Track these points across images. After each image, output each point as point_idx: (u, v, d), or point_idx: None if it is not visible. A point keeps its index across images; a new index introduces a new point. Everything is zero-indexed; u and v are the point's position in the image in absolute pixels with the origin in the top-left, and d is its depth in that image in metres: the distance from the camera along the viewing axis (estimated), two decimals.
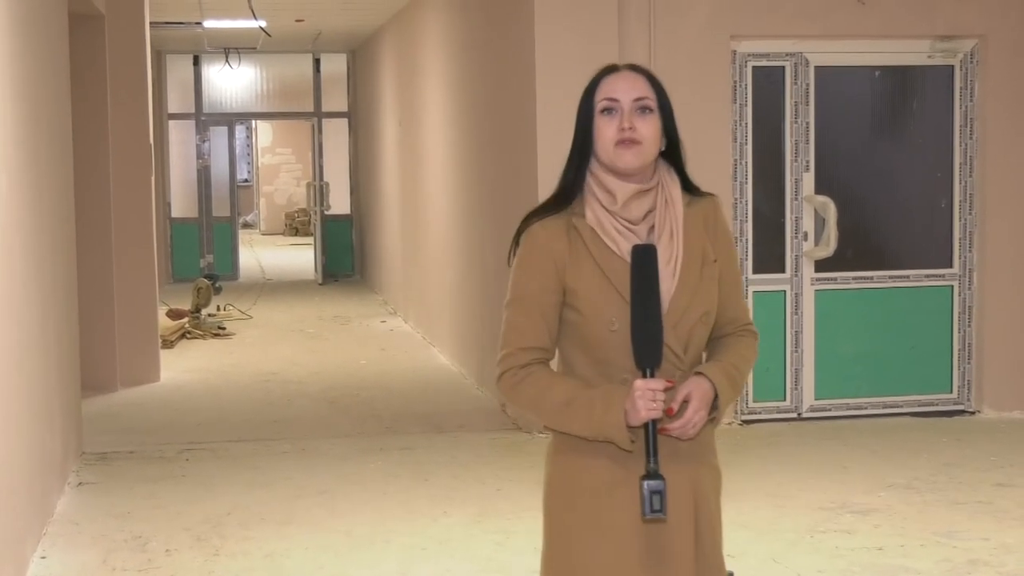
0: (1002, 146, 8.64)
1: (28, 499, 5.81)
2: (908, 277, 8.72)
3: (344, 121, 19.79)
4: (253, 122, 28.60)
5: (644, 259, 2.82)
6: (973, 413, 8.74)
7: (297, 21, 15.21)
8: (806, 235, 8.57)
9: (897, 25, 8.49)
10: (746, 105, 8.45)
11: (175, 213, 19.25)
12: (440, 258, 11.77)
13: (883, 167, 8.67)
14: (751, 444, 7.88)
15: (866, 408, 8.68)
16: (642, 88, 2.91)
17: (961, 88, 8.67)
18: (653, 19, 8.16)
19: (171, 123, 19.17)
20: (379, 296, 16.75)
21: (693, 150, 3.02)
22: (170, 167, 18.99)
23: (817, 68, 8.52)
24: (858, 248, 8.65)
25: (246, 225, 28.82)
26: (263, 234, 29.63)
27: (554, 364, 2.99)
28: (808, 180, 8.54)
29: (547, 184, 7.51)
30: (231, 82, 19.69)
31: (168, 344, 12.19)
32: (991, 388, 8.71)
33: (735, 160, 8.42)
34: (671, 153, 2.96)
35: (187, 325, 13.32)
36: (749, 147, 8.46)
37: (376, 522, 6.34)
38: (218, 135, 20.66)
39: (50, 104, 6.96)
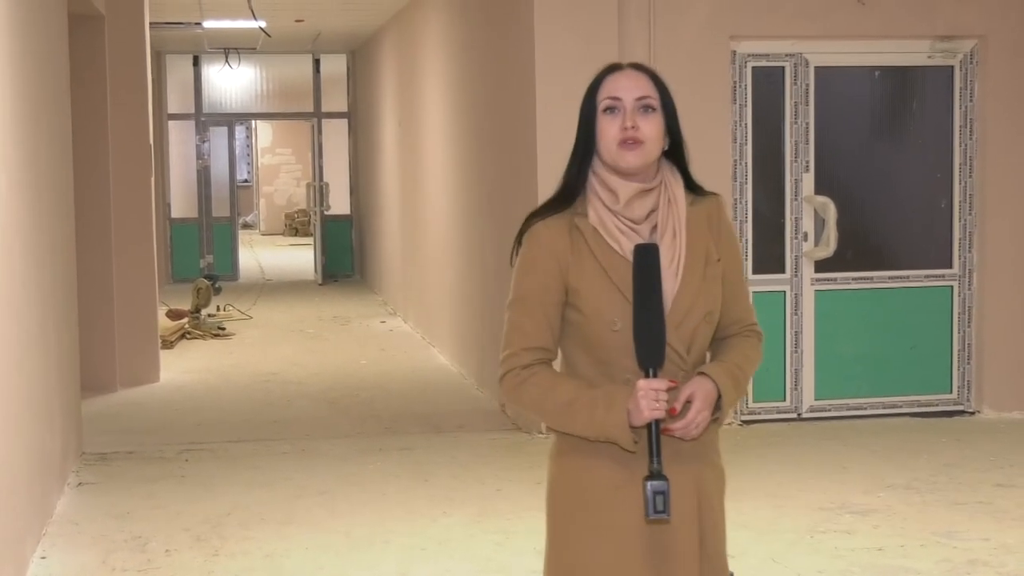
0: (1002, 146, 8.64)
1: (28, 499, 5.81)
2: (908, 277, 8.72)
3: (344, 121, 19.79)
4: (253, 122, 28.60)
5: (646, 258, 2.81)
6: (973, 413, 8.73)
7: (297, 21, 15.21)
8: (806, 235, 8.57)
9: (897, 25, 8.49)
10: (746, 105, 8.45)
11: (175, 213, 19.26)
12: (440, 258, 11.77)
13: (883, 167, 8.67)
14: (751, 444, 7.88)
15: (866, 408, 8.68)
16: (645, 87, 2.90)
17: (961, 88, 8.67)
18: (653, 19, 8.15)
19: (171, 123, 19.18)
20: (379, 296, 16.75)
21: (693, 150, 3.01)
22: (170, 167, 18.99)
23: (817, 68, 8.52)
24: (858, 248, 8.65)
25: (246, 225, 28.82)
26: (263, 234, 29.64)
27: (557, 364, 2.98)
28: (808, 180, 8.54)
29: (547, 184, 7.49)
30: (231, 82, 19.70)
31: (168, 344, 12.19)
32: (991, 388, 8.71)
33: (735, 160, 8.41)
34: (674, 152, 2.95)
35: (187, 325, 13.32)
36: (749, 147, 8.46)
37: (376, 522, 6.34)
38: (218, 135, 20.66)
39: (50, 104, 6.95)
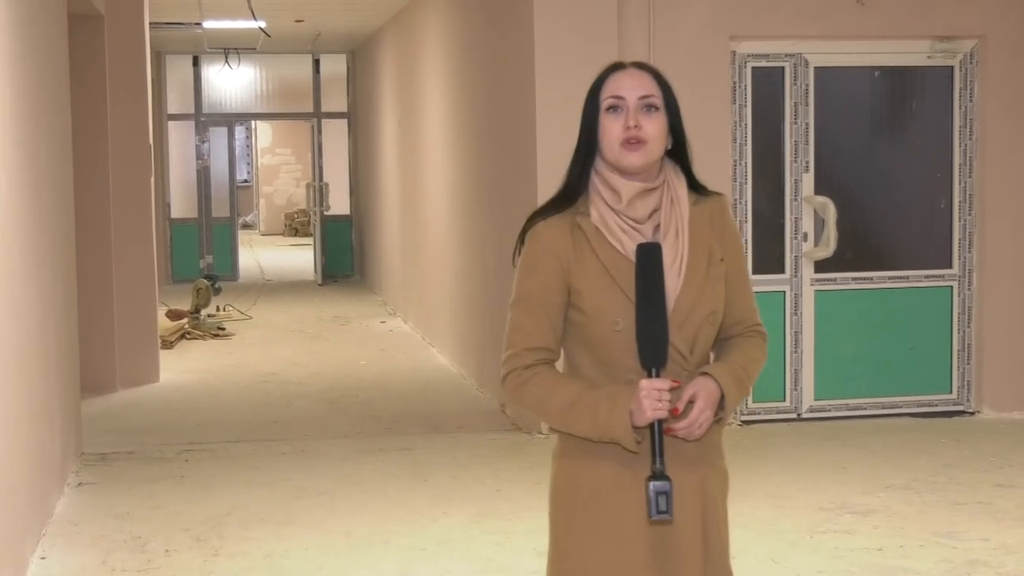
0: (1002, 147, 8.64)
1: (27, 500, 5.81)
2: (907, 278, 8.72)
3: (344, 122, 19.79)
4: (253, 123, 28.60)
5: (649, 257, 2.79)
6: (972, 414, 8.73)
7: (297, 22, 15.21)
8: (806, 236, 8.57)
9: (897, 26, 8.49)
10: (745, 106, 8.45)
11: (175, 214, 19.26)
12: (440, 258, 11.77)
13: (883, 168, 8.67)
14: (750, 445, 7.88)
15: (865, 409, 8.68)
16: (648, 86, 2.89)
17: (960, 89, 8.67)
18: (653, 19, 8.15)
19: (171, 124, 19.18)
20: (378, 296, 16.75)
21: (692, 151, 3.01)
22: (170, 168, 19.00)
23: (817, 69, 8.52)
24: (858, 249, 8.65)
25: (246, 226, 28.83)
26: (263, 235, 29.64)
27: (560, 365, 2.97)
28: (808, 181, 8.54)
29: (547, 184, 7.49)
30: (231, 83, 19.70)
31: (168, 345, 12.19)
32: (990, 389, 8.71)
33: (734, 161, 8.41)
34: (677, 152, 2.94)
35: (187, 326, 13.32)
36: (748, 148, 8.46)
37: (375, 523, 6.34)
38: (218, 136, 20.66)
39: (49, 105, 6.95)
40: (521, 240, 2.95)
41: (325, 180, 19.14)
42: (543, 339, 2.90)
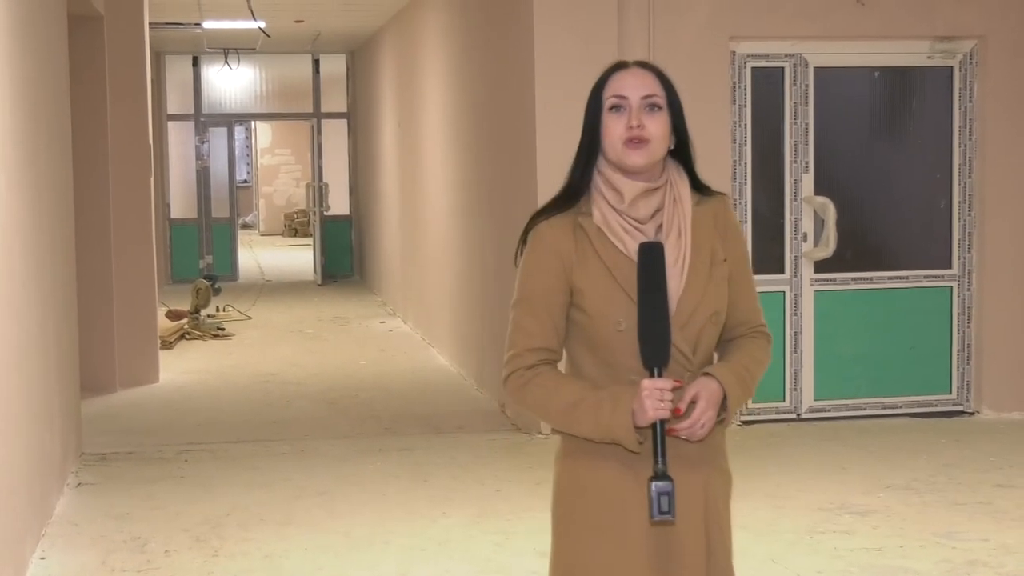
0: (1001, 147, 8.64)
1: (27, 500, 5.81)
2: (907, 278, 8.72)
3: (343, 122, 19.79)
4: (252, 123, 28.60)
5: (650, 256, 2.78)
6: (972, 414, 8.73)
7: (296, 22, 15.21)
8: (805, 236, 8.57)
9: (896, 26, 8.49)
10: (745, 106, 8.45)
11: (174, 214, 19.26)
12: (439, 259, 11.77)
13: (882, 168, 8.67)
14: (750, 445, 7.88)
15: (865, 409, 8.68)
16: (651, 85, 2.87)
17: (960, 89, 8.67)
18: (652, 19, 8.15)
19: (170, 124, 19.17)
20: (378, 297, 16.75)
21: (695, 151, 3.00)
22: (169, 168, 18.99)
23: (816, 69, 8.52)
24: (857, 249, 8.65)
25: (245, 226, 28.83)
26: (262, 235, 29.64)
27: (562, 366, 2.96)
28: (807, 181, 8.54)
29: (546, 184, 7.49)
30: (230, 83, 19.69)
31: (167, 345, 12.19)
32: (990, 389, 8.71)
33: (734, 161, 8.41)
34: (680, 151, 2.92)
35: (186, 326, 13.32)
36: (748, 148, 8.46)
37: (375, 523, 6.34)
38: (217, 136, 20.66)
39: (49, 105, 6.95)
40: (523, 240, 2.94)
41: (325, 180, 19.14)
42: (545, 339, 2.89)
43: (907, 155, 8.73)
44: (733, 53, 8.40)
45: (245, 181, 31.25)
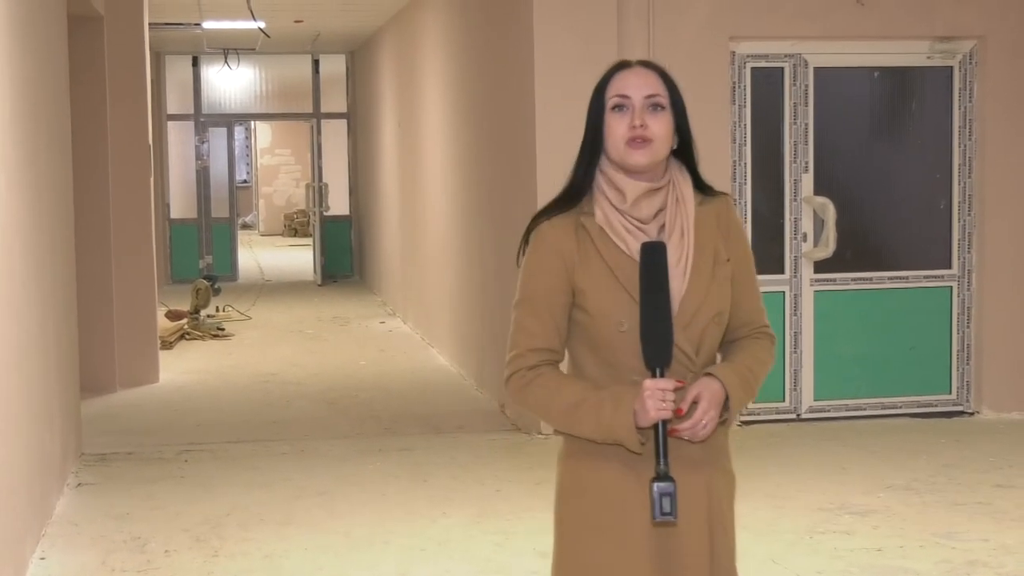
0: (1001, 147, 8.64)
1: (27, 500, 5.81)
2: (907, 278, 8.72)
3: (343, 122, 19.79)
4: (252, 123, 28.60)
5: (653, 255, 2.77)
6: (972, 414, 8.73)
7: (296, 22, 15.21)
8: (805, 236, 8.57)
9: (896, 26, 8.49)
10: (745, 106, 8.45)
11: (174, 214, 19.26)
12: (439, 259, 11.77)
13: (882, 168, 8.68)
14: (750, 445, 7.88)
15: (865, 409, 8.68)
16: (654, 85, 2.86)
17: (960, 89, 8.67)
18: (652, 19, 8.16)
19: (170, 124, 19.17)
20: (378, 297, 16.75)
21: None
22: (169, 168, 18.99)
23: (816, 69, 8.52)
24: (857, 249, 8.65)
25: (245, 226, 28.83)
26: (262, 235, 29.65)
27: (564, 366, 2.95)
28: (807, 181, 8.54)
29: (546, 184, 7.49)
30: (230, 83, 19.70)
31: (167, 345, 12.19)
32: (990, 389, 8.71)
33: (734, 161, 8.42)
34: (683, 151, 2.91)
35: (186, 326, 13.32)
36: (748, 148, 8.46)
37: (375, 523, 6.34)
38: (217, 136, 20.66)
39: (49, 105, 6.95)
40: (525, 240, 2.93)
41: (324, 180, 19.14)
42: (547, 340, 2.88)
43: (907, 155, 8.73)
44: (733, 53, 8.41)
45: (245, 181, 31.26)
